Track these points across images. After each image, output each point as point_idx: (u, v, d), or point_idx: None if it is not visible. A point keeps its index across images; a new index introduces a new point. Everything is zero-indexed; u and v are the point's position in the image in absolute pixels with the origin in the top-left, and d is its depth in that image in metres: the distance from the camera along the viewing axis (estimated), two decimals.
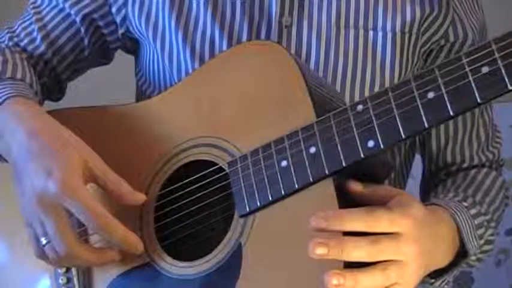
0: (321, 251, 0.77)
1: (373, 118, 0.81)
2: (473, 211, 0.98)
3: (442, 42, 1.07)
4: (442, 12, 1.06)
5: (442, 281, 0.97)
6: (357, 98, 1.03)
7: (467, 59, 0.77)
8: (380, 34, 1.03)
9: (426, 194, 1.13)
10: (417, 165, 1.17)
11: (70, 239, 0.89)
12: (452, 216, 0.93)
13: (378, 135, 0.80)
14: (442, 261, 0.91)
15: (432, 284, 0.96)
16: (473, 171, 1.11)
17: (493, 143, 1.16)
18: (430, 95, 0.78)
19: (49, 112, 1.00)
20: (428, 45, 1.07)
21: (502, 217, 1.10)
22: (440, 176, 1.14)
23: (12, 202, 0.97)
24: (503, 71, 0.75)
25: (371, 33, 1.03)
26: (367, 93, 1.03)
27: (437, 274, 0.94)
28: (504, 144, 1.20)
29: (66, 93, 1.20)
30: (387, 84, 1.04)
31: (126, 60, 1.20)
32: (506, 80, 0.75)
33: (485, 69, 0.76)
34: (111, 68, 1.23)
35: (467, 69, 0.76)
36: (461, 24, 1.08)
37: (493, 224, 1.04)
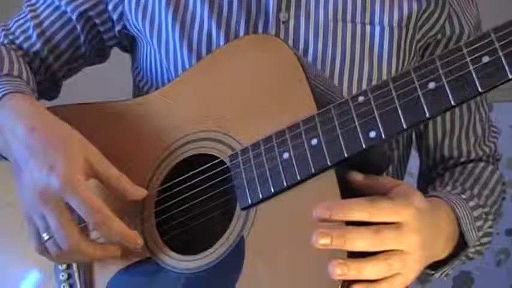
0: (324, 240, 0.77)
1: (374, 109, 0.81)
2: (471, 203, 0.98)
3: (439, 36, 1.08)
4: (439, 7, 1.06)
5: (442, 273, 0.98)
6: (354, 93, 1.03)
7: (468, 49, 0.77)
8: (377, 28, 1.04)
9: (424, 189, 1.13)
10: (416, 162, 1.18)
11: (73, 233, 0.89)
12: (452, 208, 0.94)
13: (380, 125, 0.81)
14: (442, 252, 0.92)
15: (432, 275, 0.97)
16: (470, 165, 1.12)
17: (489, 137, 1.16)
18: (431, 85, 0.79)
19: (48, 108, 1.00)
20: (425, 40, 1.08)
21: (499, 211, 1.11)
22: (438, 171, 1.14)
23: (12, 199, 0.96)
24: (503, 60, 0.75)
25: (368, 27, 1.04)
26: (364, 88, 1.03)
27: (437, 266, 0.94)
28: (504, 144, 1.21)
29: (63, 91, 1.19)
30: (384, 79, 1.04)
31: (123, 57, 1.20)
32: (507, 68, 0.75)
33: (485, 59, 0.76)
34: (108, 65, 1.23)
35: (468, 59, 0.77)
36: (457, 19, 1.08)
37: (491, 217, 1.04)
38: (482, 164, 1.12)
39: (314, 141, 0.84)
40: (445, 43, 1.09)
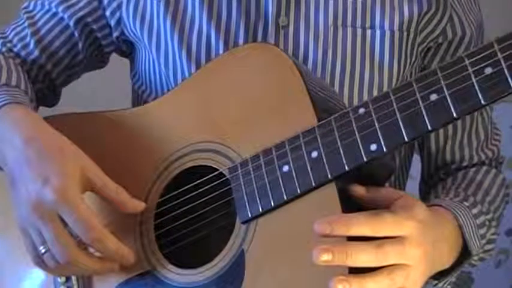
0: (325, 257, 0.76)
1: (375, 121, 0.80)
2: (474, 211, 0.97)
3: (440, 39, 1.07)
4: (440, 10, 1.05)
5: (445, 282, 0.97)
6: (355, 98, 1.02)
7: (470, 60, 0.76)
8: (378, 33, 1.02)
9: (426, 194, 1.12)
10: (417, 166, 1.17)
11: (71, 246, 0.88)
12: (455, 217, 0.93)
13: (381, 138, 0.79)
14: (446, 262, 0.91)
15: (435, 285, 0.96)
16: (473, 170, 1.10)
17: (492, 140, 1.15)
18: (433, 97, 0.77)
19: (45, 118, 0.99)
20: (426, 43, 1.06)
21: (502, 216, 1.10)
22: (440, 175, 1.13)
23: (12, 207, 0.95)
24: (506, 72, 0.74)
25: (369, 31, 1.02)
26: (365, 93, 1.02)
27: (440, 275, 0.93)
28: (504, 145, 1.19)
29: (62, 98, 1.18)
30: (385, 84, 1.03)
31: (122, 63, 1.19)
32: (510, 80, 0.74)
33: (488, 70, 0.75)
34: (107, 71, 1.22)
35: (470, 70, 0.76)
36: (459, 21, 1.07)
37: (494, 223, 1.03)
38: (485, 168, 1.11)
39: (314, 154, 0.83)
40: (446, 46, 1.07)
